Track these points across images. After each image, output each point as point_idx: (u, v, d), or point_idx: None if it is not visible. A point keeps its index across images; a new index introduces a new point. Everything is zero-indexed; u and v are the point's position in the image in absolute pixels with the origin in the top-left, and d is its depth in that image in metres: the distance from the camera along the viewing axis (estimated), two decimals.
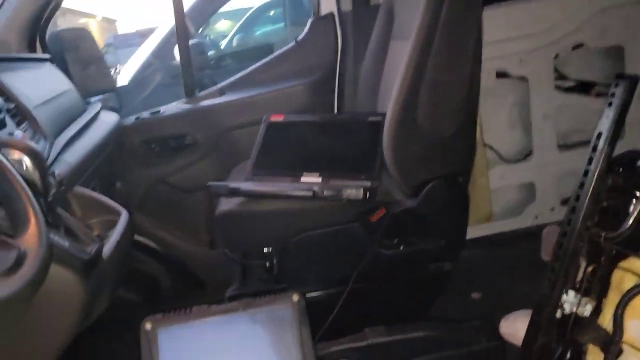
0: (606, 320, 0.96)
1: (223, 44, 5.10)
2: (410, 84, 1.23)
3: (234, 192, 1.29)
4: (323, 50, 1.92)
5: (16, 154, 0.88)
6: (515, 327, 1.45)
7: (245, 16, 5.40)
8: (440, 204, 1.31)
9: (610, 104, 0.92)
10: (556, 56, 2.01)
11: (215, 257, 1.92)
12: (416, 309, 1.42)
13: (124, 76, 3.22)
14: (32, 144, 0.93)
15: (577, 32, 1.97)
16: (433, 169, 1.30)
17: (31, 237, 0.66)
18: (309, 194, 1.23)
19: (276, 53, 1.98)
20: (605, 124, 0.93)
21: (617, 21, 1.96)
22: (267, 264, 1.37)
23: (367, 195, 1.21)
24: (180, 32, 1.88)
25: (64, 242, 0.90)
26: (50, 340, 0.90)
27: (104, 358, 1.60)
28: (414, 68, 1.23)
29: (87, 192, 1.29)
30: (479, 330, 1.05)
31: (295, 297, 0.99)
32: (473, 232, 2.04)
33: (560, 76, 2.09)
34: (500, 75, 2.01)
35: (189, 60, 1.91)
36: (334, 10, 1.90)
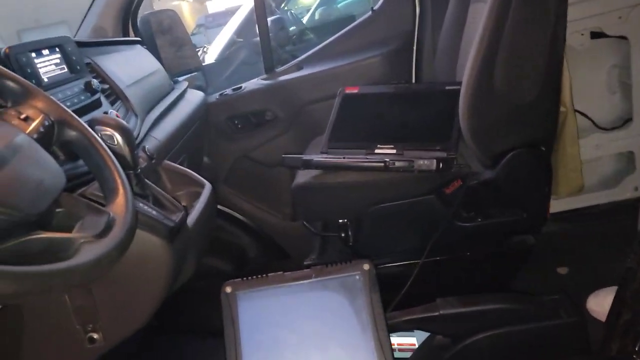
0: None
1: (305, 18, 5.13)
2: (487, 49, 1.18)
3: (307, 164, 1.32)
4: (400, 18, 1.88)
5: (108, 131, 0.97)
6: (603, 304, 1.38)
7: None
8: (521, 174, 1.26)
9: None
10: None
11: (297, 229, 1.98)
12: (495, 284, 1.38)
13: (211, 55, 3.36)
14: (122, 121, 1.01)
15: None
16: (512, 138, 1.24)
17: (119, 205, 0.73)
18: (381, 165, 1.23)
19: (353, 24, 1.97)
20: None
21: None
22: (343, 235, 1.40)
23: (440, 166, 1.19)
24: (259, 9, 1.91)
25: (151, 210, 0.98)
26: (143, 299, 0.99)
27: (199, 320, 1.73)
28: (491, 31, 1.17)
29: (175, 166, 1.39)
30: (558, 305, 1.01)
31: (366, 266, 1.01)
32: (563, 204, 1.94)
33: None
34: (596, 35, 1.86)
35: (267, 37, 1.95)
36: None
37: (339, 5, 5.53)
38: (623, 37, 1.86)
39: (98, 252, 0.63)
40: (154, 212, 0.98)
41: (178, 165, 1.41)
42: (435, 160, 1.19)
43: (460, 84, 1.41)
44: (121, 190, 0.75)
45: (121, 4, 1.83)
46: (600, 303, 1.38)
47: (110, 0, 1.83)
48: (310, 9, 5.59)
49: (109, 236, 0.67)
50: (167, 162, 1.38)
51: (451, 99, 1.41)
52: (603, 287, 1.44)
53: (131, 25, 1.91)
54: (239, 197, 2.02)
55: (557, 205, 1.93)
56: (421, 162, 1.19)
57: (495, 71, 1.18)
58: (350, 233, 1.38)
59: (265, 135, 1.95)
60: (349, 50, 1.91)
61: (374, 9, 1.92)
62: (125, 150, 0.98)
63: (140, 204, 0.94)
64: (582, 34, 1.84)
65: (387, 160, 1.22)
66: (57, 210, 0.70)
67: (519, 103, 1.20)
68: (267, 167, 2.00)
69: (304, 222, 1.55)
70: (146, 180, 1.05)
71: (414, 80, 1.88)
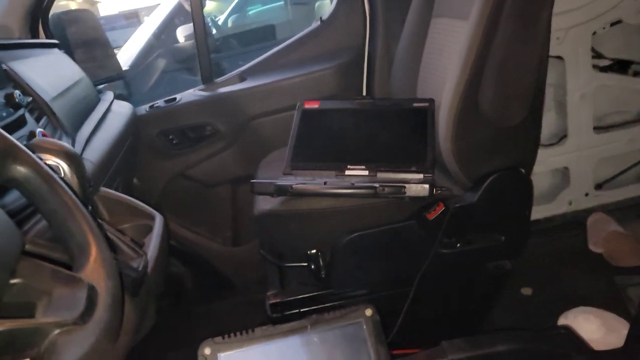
0: None
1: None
2: (472, 69, 1.11)
3: (282, 191, 1.16)
4: (351, 30, 1.78)
5: (52, 159, 0.76)
6: (576, 325, 1.37)
7: None
8: (502, 197, 1.21)
9: None
10: (594, 33, 1.90)
11: (239, 254, 1.81)
12: (475, 313, 1.32)
13: (122, 60, 3.04)
14: (68, 146, 0.80)
15: (617, 8, 1.85)
16: (496, 161, 1.18)
17: (96, 267, 0.53)
18: (370, 192, 1.11)
19: (300, 34, 1.84)
20: None
21: None
22: (313, 267, 1.26)
23: (434, 191, 1.10)
24: (196, 11, 1.72)
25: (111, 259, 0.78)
26: None
27: None
28: (478, 49, 1.10)
29: (114, 194, 1.16)
30: (565, 340, 0.96)
31: (369, 312, 0.88)
32: None
33: (597, 55, 1.98)
34: None
35: (206, 43, 1.76)
36: None
37: (249, 13, 5.38)
38: (559, 57, 1.92)
39: (87, 346, 0.44)
40: (114, 262, 0.78)
41: (117, 193, 1.18)
42: (428, 186, 1.09)
43: (429, 101, 1.34)
44: (94, 248, 0.56)
45: (28, 1, 1.54)
46: (571, 324, 1.37)
47: None
48: (212, 15, 5.37)
49: (95, 317, 0.48)
50: (104, 189, 1.15)
51: (420, 116, 1.33)
52: (568, 306, 1.43)
53: (42, 25, 1.63)
54: (173, 221, 1.80)
55: None
56: (414, 187, 1.09)
57: (481, 92, 1.12)
58: (322, 264, 1.24)
59: (205, 151, 1.75)
60: (296, 62, 1.78)
61: (322, 19, 1.80)
62: (74, 183, 0.77)
63: None
64: None
65: (377, 185, 1.10)
66: (12, 282, 0.50)
67: (505, 125, 1.14)
68: (206, 187, 1.80)
69: (262, 252, 1.39)
70: (100, 220, 0.84)
71: (364, 95, 1.80)
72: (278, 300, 1.28)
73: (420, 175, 1.20)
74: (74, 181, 0.77)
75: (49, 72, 1.26)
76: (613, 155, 2.04)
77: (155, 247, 1.00)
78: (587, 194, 2.04)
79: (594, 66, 1.96)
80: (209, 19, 3.65)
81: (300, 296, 1.27)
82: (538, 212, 2.04)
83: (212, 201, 1.80)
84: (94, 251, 0.55)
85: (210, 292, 1.81)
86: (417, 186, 1.09)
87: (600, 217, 1.82)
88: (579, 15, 1.84)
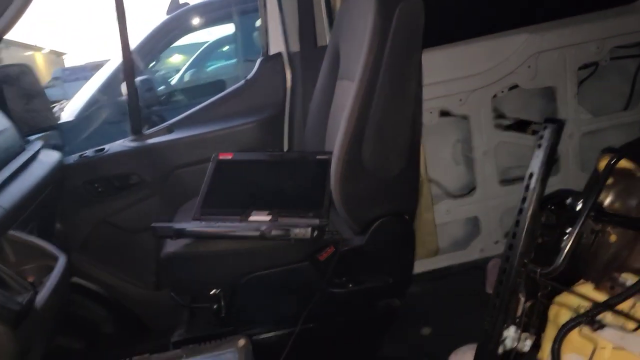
0: (545, 354, 0.99)
1: (175, 79, 5.06)
2: (355, 125, 1.26)
3: (179, 234, 1.26)
4: (272, 89, 1.94)
5: None
6: None
7: (198, 51, 5.36)
8: (387, 241, 1.33)
9: (539, 146, 0.97)
10: (494, 96, 2.11)
11: (160, 300, 1.86)
12: (367, 348, 1.41)
13: (68, 111, 3.13)
14: None
15: (513, 74, 2.08)
16: (380, 207, 1.32)
17: None
18: (256, 234, 1.22)
19: (226, 91, 1.99)
20: (535, 165, 0.98)
21: (548, 64, 2.08)
22: (215, 307, 1.34)
23: (315, 233, 1.22)
24: (127, 68, 1.85)
25: None
26: None
27: None
28: (359, 109, 1.26)
29: (22, 236, 1.24)
30: None
31: (242, 342, 0.97)
32: (420, 266, 2.07)
33: (499, 115, 2.19)
34: (444, 114, 2.09)
35: (136, 97, 1.88)
36: (283, 50, 1.93)
37: (208, 69, 5.56)
38: (465, 117, 2.12)
39: None
40: None
41: (26, 235, 1.26)
42: (310, 228, 1.21)
43: (330, 153, 1.48)
44: None
45: None
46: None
47: None
48: (178, 69, 5.53)
49: None
50: (12, 232, 1.23)
51: (322, 167, 1.46)
52: (460, 344, 1.54)
53: None
54: (96, 267, 1.85)
55: (415, 267, 2.07)
56: (297, 230, 1.21)
57: (364, 146, 1.26)
58: (223, 304, 1.32)
59: (129, 199, 1.83)
60: (222, 116, 1.91)
61: (246, 78, 1.96)
62: None
63: None
64: (431, 112, 2.05)
65: (264, 228, 1.22)
66: None
67: (386, 175, 1.28)
68: (130, 233, 1.87)
69: (171, 294, 1.46)
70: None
71: (285, 149, 1.94)
72: (181, 339, 1.34)
73: (317, 220, 1.33)
74: None
75: None
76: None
77: (51, 286, 1.07)
78: (496, 242, 2.20)
79: (497, 125, 2.17)
80: (156, 75, 3.80)
81: (202, 336, 1.33)
82: (452, 259, 2.18)
83: (136, 247, 1.86)
84: None
85: (129, 336, 1.84)
86: (301, 229, 1.21)
87: (496, 262, 1.95)
88: (479, 81, 2.05)
